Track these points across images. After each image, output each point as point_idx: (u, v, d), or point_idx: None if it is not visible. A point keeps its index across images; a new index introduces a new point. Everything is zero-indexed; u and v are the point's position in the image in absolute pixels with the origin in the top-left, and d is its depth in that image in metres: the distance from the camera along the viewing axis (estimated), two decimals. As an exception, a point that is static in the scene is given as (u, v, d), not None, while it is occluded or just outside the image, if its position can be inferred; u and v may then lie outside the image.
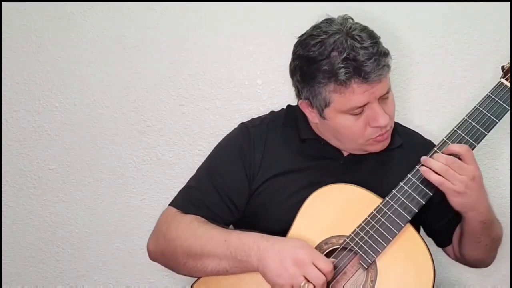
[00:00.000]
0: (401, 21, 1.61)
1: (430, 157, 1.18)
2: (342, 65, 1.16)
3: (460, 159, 1.16)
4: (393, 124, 1.29)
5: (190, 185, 1.35)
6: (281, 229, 1.23)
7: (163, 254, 1.27)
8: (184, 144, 1.67)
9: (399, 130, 1.39)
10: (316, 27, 1.24)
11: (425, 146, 1.36)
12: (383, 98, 1.23)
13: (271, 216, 1.29)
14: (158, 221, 1.32)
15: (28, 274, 1.76)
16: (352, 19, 1.26)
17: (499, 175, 1.66)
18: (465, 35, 1.60)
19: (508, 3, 1.57)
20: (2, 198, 1.72)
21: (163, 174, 1.68)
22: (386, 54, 1.21)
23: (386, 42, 1.61)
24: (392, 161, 1.34)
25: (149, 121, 1.67)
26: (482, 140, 1.63)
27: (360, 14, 1.60)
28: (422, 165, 1.18)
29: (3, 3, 1.64)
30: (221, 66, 1.65)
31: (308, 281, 1.11)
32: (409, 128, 1.46)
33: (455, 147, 1.16)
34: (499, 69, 1.33)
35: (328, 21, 1.24)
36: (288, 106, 1.41)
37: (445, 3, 1.59)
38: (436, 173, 1.14)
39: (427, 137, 1.45)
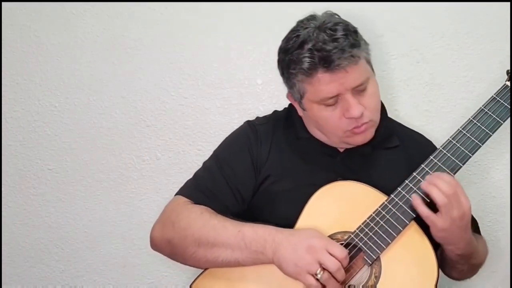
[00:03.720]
0: (401, 21, 1.61)
1: (433, 159, 1.20)
2: (307, 55, 1.20)
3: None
4: (374, 118, 1.28)
5: (199, 174, 1.36)
6: (284, 225, 1.23)
7: (170, 242, 1.27)
8: (184, 144, 1.67)
9: (398, 131, 1.40)
10: (298, 22, 1.28)
11: (427, 146, 1.38)
12: (359, 90, 1.23)
13: (274, 212, 1.29)
14: (165, 209, 1.32)
15: (28, 274, 1.75)
16: (337, 15, 1.29)
17: (499, 175, 1.66)
18: (465, 35, 1.60)
19: (508, 3, 1.57)
20: (2, 198, 1.72)
21: (163, 174, 1.68)
22: (354, 45, 1.21)
23: (386, 42, 1.62)
24: (390, 159, 1.34)
25: (149, 121, 1.67)
26: (483, 140, 1.65)
27: (360, 14, 1.60)
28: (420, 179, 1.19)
29: (3, 3, 1.64)
30: (221, 66, 1.65)
31: (323, 268, 1.12)
32: (410, 129, 1.46)
33: (453, 181, 1.16)
34: (500, 69, 1.34)
35: (311, 16, 1.28)
36: (290, 105, 1.42)
37: (445, 3, 1.59)
38: (428, 203, 1.15)
39: (427, 137, 1.45)
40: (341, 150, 1.34)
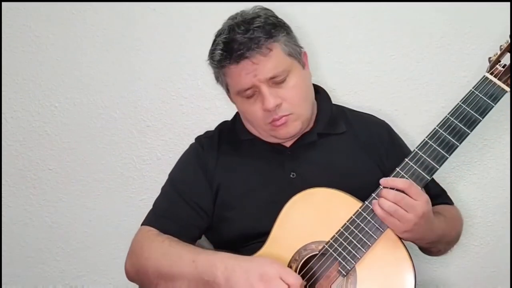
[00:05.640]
0: (401, 21, 1.61)
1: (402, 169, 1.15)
2: (219, 47, 1.23)
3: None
4: (296, 111, 1.26)
5: (157, 201, 1.37)
6: (247, 233, 1.23)
7: (137, 274, 1.25)
8: (184, 144, 1.66)
9: (348, 116, 1.39)
10: (228, 18, 1.30)
11: (378, 126, 1.40)
12: (276, 82, 1.22)
13: (234, 219, 1.29)
14: (132, 242, 1.30)
15: (28, 274, 1.75)
16: (270, 11, 1.28)
17: (499, 175, 1.66)
18: (465, 35, 1.60)
19: (508, 3, 1.57)
20: (2, 198, 1.72)
21: (163, 174, 1.66)
22: (268, 37, 1.20)
23: (386, 42, 1.62)
24: (340, 145, 1.33)
25: (149, 121, 1.67)
26: (481, 140, 1.65)
27: (360, 14, 1.60)
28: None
29: (3, 3, 1.64)
30: (221, 66, 1.64)
31: None
32: (361, 112, 1.45)
33: (398, 183, 1.12)
34: (499, 69, 1.32)
35: (241, 11, 1.29)
36: (236, 112, 1.42)
37: (445, 3, 1.59)
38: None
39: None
40: (288, 145, 1.33)
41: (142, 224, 1.33)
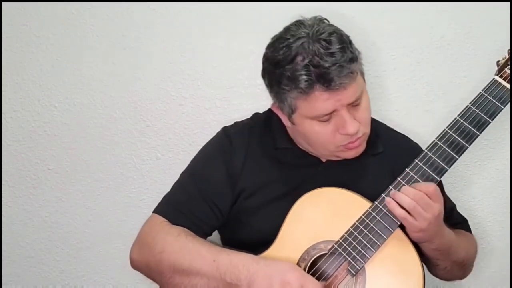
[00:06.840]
0: (401, 21, 1.61)
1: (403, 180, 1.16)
2: (303, 72, 1.13)
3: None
4: (367, 131, 1.25)
5: (174, 191, 1.34)
6: (263, 238, 1.22)
7: (148, 265, 1.25)
8: (184, 144, 1.67)
9: (383, 136, 1.36)
10: (286, 29, 1.22)
11: (411, 151, 1.34)
12: (354, 105, 1.19)
13: (253, 224, 1.28)
14: (142, 230, 1.30)
15: (28, 274, 1.75)
16: (326, 20, 1.23)
17: (499, 175, 1.66)
18: (465, 35, 1.60)
19: (508, 3, 1.57)
20: (2, 198, 1.72)
21: (163, 174, 1.68)
22: (353, 60, 1.15)
23: (386, 42, 1.62)
24: (374, 166, 1.31)
25: (149, 121, 1.67)
26: (482, 140, 1.65)
27: (360, 14, 1.61)
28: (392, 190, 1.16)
29: (3, 3, 1.64)
30: (221, 66, 1.64)
31: None
32: (395, 132, 1.43)
33: (422, 187, 1.13)
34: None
35: (299, 23, 1.21)
36: (270, 109, 1.38)
37: (445, 3, 1.59)
38: (402, 207, 1.13)
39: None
40: (324, 160, 1.31)
41: (154, 211, 1.32)
